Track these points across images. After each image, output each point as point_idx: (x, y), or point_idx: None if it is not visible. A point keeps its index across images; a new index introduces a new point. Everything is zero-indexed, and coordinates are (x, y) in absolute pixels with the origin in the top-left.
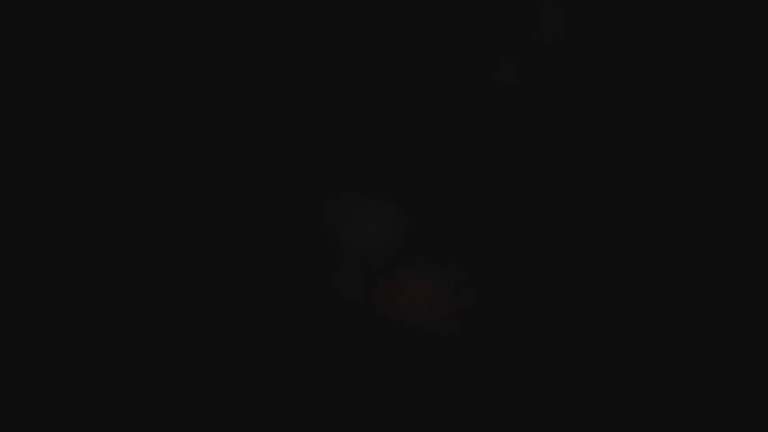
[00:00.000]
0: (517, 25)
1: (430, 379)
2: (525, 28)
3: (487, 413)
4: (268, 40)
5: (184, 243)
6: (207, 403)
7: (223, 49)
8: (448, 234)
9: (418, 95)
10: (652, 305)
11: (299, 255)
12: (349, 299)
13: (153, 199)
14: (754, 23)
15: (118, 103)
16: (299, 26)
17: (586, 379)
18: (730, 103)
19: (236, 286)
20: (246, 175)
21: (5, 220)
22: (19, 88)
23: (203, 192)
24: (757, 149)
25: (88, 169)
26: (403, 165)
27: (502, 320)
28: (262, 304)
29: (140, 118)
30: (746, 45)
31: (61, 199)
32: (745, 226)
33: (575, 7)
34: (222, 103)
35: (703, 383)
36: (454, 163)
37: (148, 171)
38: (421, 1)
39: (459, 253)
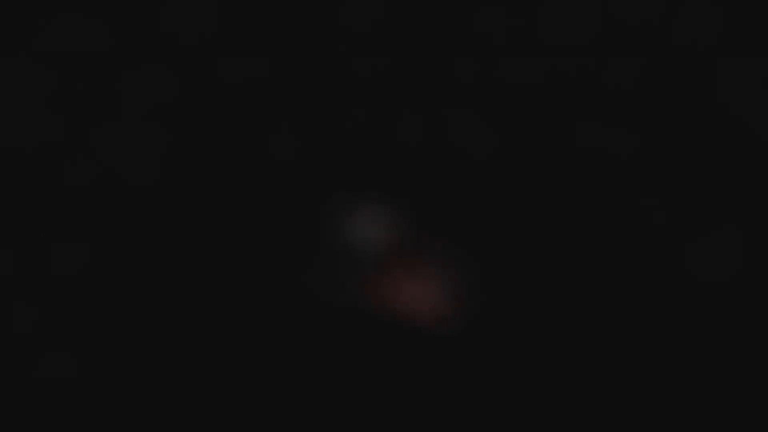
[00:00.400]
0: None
1: (431, 382)
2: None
3: (490, 418)
4: (269, 37)
5: (177, 242)
6: (207, 405)
7: (222, 47)
8: (450, 231)
9: (420, 92)
10: (659, 308)
11: (296, 254)
12: (347, 299)
13: (147, 194)
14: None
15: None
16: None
17: (591, 383)
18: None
19: (233, 287)
20: (243, 172)
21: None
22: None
23: (199, 191)
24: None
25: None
26: (404, 162)
27: (506, 321)
28: (257, 304)
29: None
30: None
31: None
32: (743, 223)
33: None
34: (219, 102)
35: (706, 385)
36: (455, 160)
37: (144, 164)
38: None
39: (462, 251)
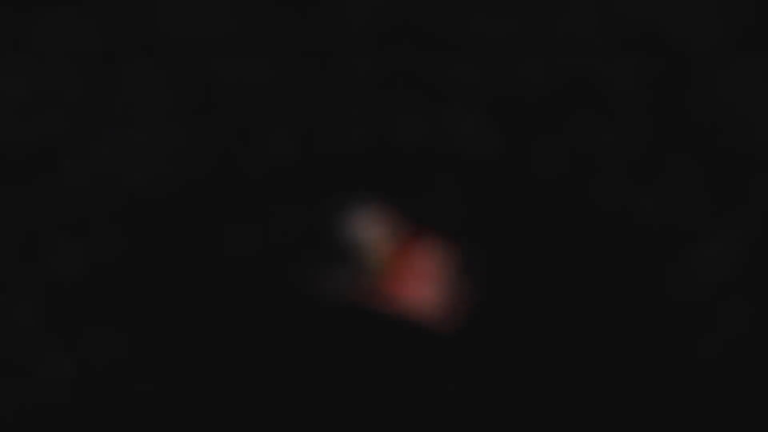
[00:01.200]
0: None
1: (432, 381)
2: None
3: (491, 417)
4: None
5: (176, 244)
6: (208, 405)
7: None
8: (451, 231)
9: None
10: (659, 309)
11: (296, 254)
12: (347, 300)
13: (146, 194)
14: None
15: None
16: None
17: (592, 384)
18: None
19: (232, 288)
20: (242, 171)
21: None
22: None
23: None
24: None
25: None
26: (404, 162)
27: (507, 321)
28: (257, 306)
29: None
30: None
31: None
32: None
33: None
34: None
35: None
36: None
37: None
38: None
39: (463, 251)
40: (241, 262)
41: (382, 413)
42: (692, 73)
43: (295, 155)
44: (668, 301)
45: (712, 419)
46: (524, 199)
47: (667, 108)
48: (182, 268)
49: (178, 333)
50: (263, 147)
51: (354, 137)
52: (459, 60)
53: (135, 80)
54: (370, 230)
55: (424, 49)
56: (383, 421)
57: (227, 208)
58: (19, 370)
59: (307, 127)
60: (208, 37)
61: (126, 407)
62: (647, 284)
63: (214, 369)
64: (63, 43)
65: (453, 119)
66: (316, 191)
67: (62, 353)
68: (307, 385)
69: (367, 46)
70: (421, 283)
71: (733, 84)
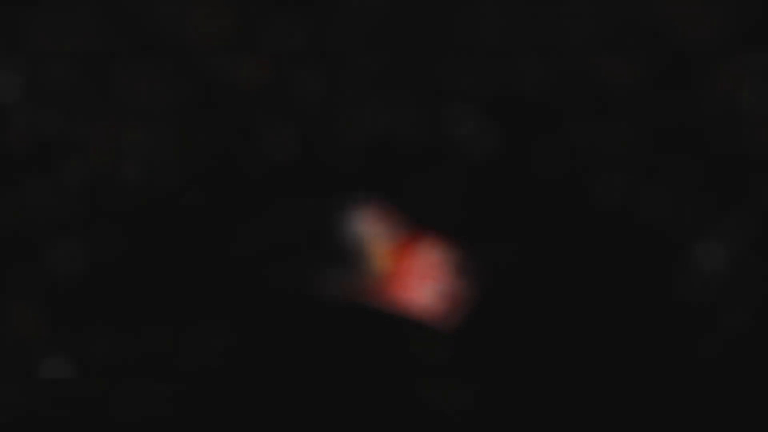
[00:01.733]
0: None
1: (432, 380)
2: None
3: (489, 417)
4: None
5: (175, 244)
6: (207, 405)
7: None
8: (451, 230)
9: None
10: (661, 309)
11: (296, 254)
12: (347, 300)
13: (145, 194)
14: None
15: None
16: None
17: (594, 383)
18: None
19: (231, 286)
20: (242, 172)
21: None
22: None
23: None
24: None
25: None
26: (405, 161)
27: (507, 321)
28: (256, 305)
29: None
30: None
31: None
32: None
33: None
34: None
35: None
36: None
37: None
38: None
39: (463, 251)
40: (241, 261)
41: (381, 413)
42: (692, 72)
43: (295, 155)
44: (668, 301)
45: (712, 419)
46: (524, 199)
47: (667, 108)
48: (182, 267)
49: (177, 333)
50: (263, 147)
51: (354, 137)
52: (459, 60)
53: (135, 80)
54: (370, 230)
55: (424, 48)
56: (383, 420)
57: (227, 207)
58: (19, 371)
59: (307, 126)
60: (208, 37)
61: (126, 407)
62: (647, 284)
63: (214, 369)
64: (62, 43)
65: (453, 119)
66: (316, 191)
67: (62, 353)
68: (307, 385)
69: (367, 45)
70: (421, 283)
71: (733, 84)
